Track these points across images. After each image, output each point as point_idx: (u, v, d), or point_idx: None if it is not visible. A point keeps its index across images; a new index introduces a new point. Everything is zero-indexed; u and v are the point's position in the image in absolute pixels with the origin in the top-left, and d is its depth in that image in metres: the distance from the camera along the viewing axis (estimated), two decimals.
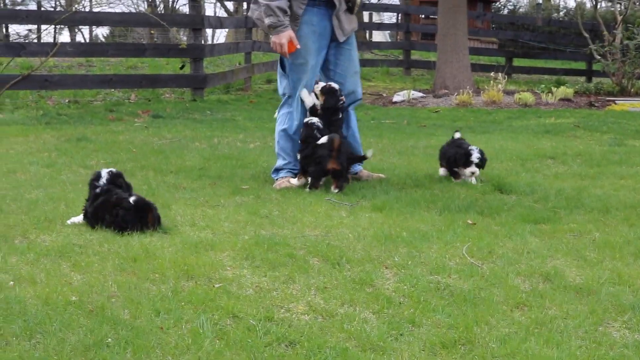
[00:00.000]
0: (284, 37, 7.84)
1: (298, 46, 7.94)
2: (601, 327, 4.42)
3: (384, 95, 19.17)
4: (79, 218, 6.36)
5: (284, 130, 8.36)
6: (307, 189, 7.72)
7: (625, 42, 19.52)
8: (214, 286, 4.94)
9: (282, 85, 8.44)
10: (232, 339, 4.14)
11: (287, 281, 5.07)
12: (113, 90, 17.34)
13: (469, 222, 6.53)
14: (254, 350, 4.01)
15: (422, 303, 4.70)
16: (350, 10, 8.32)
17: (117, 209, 6.15)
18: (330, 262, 5.44)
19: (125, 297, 4.71)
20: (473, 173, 8.24)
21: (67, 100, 15.96)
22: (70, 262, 5.37)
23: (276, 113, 8.64)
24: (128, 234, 6.00)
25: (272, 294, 4.84)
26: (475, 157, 8.23)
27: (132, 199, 6.17)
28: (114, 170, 6.53)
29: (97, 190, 6.34)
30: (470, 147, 8.35)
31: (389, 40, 36.54)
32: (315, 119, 7.98)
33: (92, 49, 20.64)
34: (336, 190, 7.65)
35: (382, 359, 3.96)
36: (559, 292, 4.92)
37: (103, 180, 6.37)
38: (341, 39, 8.33)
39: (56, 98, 16.22)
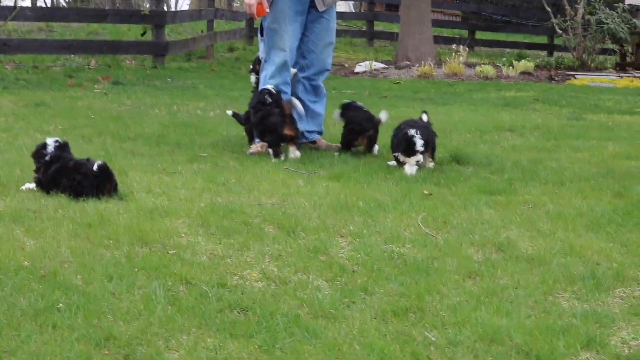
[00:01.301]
0: None
1: (267, 10, 7.96)
2: (551, 296, 4.47)
3: (346, 65, 19.15)
4: (33, 185, 6.30)
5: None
6: (273, 160, 7.69)
7: (587, 17, 19.61)
8: (168, 253, 4.93)
9: (261, 49, 8.49)
10: (184, 305, 4.14)
11: (241, 249, 5.07)
12: (73, 55, 17.16)
13: (425, 192, 6.56)
14: (206, 316, 4.02)
15: (376, 272, 4.73)
16: None
17: (75, 174, 6.10)
18: (285, 230, 5.44)
19: (78, 263, 4.68)
20: (418, 162, 7.30)
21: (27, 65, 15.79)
22: (24, 227, 5.33)
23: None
24: (83, 199, 5.96)
25: (226, 261, 4.84)
26: (419, 144, 7.21)
27: (95, 165, 6.12)
28: (60, 140, 6.44)
29: (47, 158, 6.26)
30: (411, 132, 7.29)
31: (353, 10, 36.44)
32: (270, 86, 7.98)
33: (53, 13, 20.40)
34: (297, 153, 7.67)
35: (333, 326, 3.98)
36: (511, 262, 4.96)
37: (51, 149, 6.29)
38: (321, 8, 8.34)
39: (14, 63, 16.02)
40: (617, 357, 3.73)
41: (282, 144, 7.81)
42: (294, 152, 7.81)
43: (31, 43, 16.75)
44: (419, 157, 7.28)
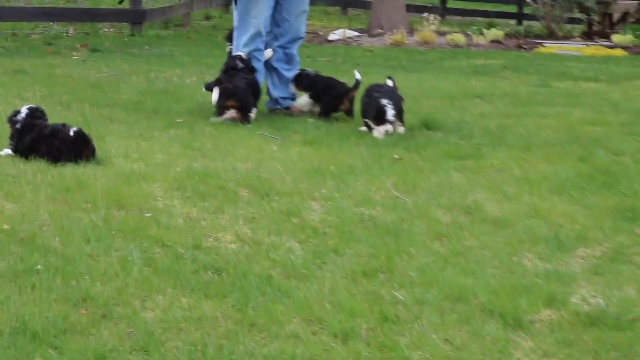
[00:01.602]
0: None
1: None
2: (515, 257, 4.53)
3: (320, 34, 19.07)
4: (9, 151, 6.27)
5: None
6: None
7: None
8: (144, 216, 4.94)
9: (234, 17, 8.46)
10: (160, 266, 4.17)
11: (216, 212, 5.09)
12: (52, 23, 16.99)
13: (396, 157, 6.59)
14: (181, 277, 4.05)
15: (346, 233, 4.77)
16: None
17: (52, 139, 6.08)
18: (259, 194, 5.47)
19: (56, 226, 4.70)
20: (387, 132, 7.29)
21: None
22: (3, 192, 5.32)
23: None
24: (61, 165, 5.94)
25: (201, 224, 4.87)
26: (390, 114, 7.26)
27: (72, 131, 6.10)
28: (33, 106, 6.41)
29: (17, 125, 6.23)
30: (383, 102, 7.29)
31: None
32: (242, 53, 7.98)
33: None
34: (244, 123, 7.74)
35: (305, 286, 4.02)
36: (478, 225, 5.02)
37: (22, 116, 6.26)
38: None
39: None
40: (577, 314, 3.79)
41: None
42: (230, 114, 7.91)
43: (10, 10, 16.58)
44: (389, 127, 7.30)
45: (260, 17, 8.22)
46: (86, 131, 6.24)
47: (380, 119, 7.27)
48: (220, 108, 7.82)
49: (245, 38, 8.25)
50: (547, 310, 3.84)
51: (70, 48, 14.03)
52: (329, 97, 8.25)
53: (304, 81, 8.36)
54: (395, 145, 6.99)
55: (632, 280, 4.24)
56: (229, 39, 8.80)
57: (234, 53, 8.19)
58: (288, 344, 3.45)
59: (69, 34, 16.13)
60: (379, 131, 7.29)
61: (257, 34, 8.24)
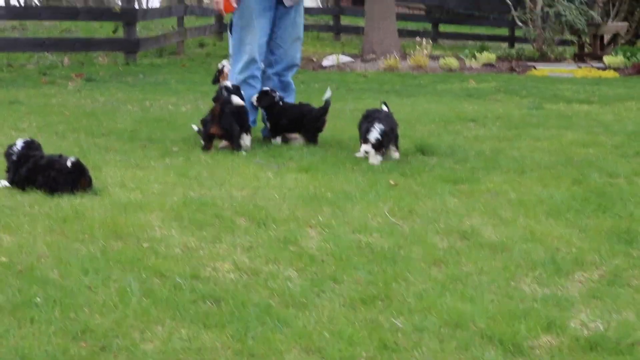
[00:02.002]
0: None
1: (235, 5, 7.98)
2: (513, 282, 4.51)
3: (314, 59, 19.14)
4: (6, 182, 6.26)
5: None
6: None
7: (546, 9, 19.70)
8: (142, 246, 4.93)
9: (230, 45, 8.53)
10: (158, 297, 4.15)
11: (213, 241, 5.08)
12: (46, 53, 17.04)
13: (392, 182, 6.59)
14: (180, 308, 4.03)
15: (344, 261, 4.75)
16: None
17: (49, 170, 6.07)
18: (256, 222, 5.46)
19: (54, 257, 4.68)
20: (367, 152, 7.32)
21: None
22: (1, 224, 5.30)
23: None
24: (58, 195, 5.93)
25: (199, 253, 4.85)
26: (373, 135, 7.25)
27: (68, 161, 6.09)
28: (30, 139, 6.42)
29: (14, 157, 6.24)
30: (374, 124, 7.31)
31: (320, 6, 36.41)
32: (228, 82, 8.01)
33: (26, 12, 20.31)
34: (236, 150, 7.76)
35: (303, 315, 4.00)
36: (475, 250, 5.01)
37: (18, 148, 6.26)
38: (287, 3, 8.35)
39: None
40: (576, 339, 3.77)
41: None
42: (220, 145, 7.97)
43: (4, 41, 16.64)
44: (368, 147, 7.25)
45: (255, 44, 8.25)
46: (83, 161, 6.23)
47: (364, 138, 7.29)
48: (205, 137, 7.84)
49: (240, 65, 8.30)
50: (547, 336, 3.82)
51: (65, 78, 14.09)
52: (311, 118, 8.25)
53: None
54: (390, 171, 6.99)
55: (630, 303, 4.23)
56: (217, 81, 8.85)
57: (229, 81, 8.23)
58: None
59: (63, 64, 16.18)
60: (360, 152, 7.40)
61: (252, 61, 8.27)
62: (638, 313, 4.11)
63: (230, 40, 8.57)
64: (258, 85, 8.40)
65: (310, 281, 4.45)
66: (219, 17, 22.36)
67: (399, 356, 3.61)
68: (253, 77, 8.35)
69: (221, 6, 8.03)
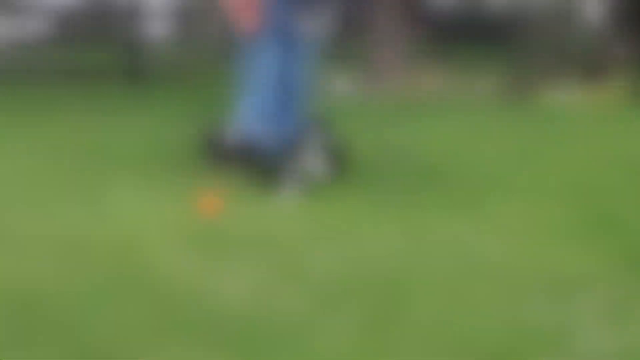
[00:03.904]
0: None
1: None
2: (522, 304, 4.47)
3: None
4: None
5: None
6: None
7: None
8: (148, 270, 4.92)
9: (238, 76, 8.55)
10: (162, 319, 4.13)
11: (220, 262, 5.12)
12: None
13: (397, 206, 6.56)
14: (184, 329, 4.01)
15: (352, 284, 4.73)
16: None
17: None
18: (263, 243, 5.49)
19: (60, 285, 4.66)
20: None
21: None
22: None
23: None
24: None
25: (206, 276, 4.83)
26: None
27: None
28: None
29: None
30: None
31: None
32: None
33: None
34: None
35: (310, 339, 3.97)
36: (482, 272, 4.98)
37: None
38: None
39: None
40: None
41: None
42: None
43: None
44: None
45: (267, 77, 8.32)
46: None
47: None
48: None
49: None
50: (558, 359, 3.80)
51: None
52: None
53: None
54: (396, 194, 6.96)
55: None
56: None
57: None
58: None
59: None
60: None
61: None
62: None
63: (238, 72, 8.58)
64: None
65: (319, 304, 4.42)
66: (224, 42, 22.45)
67: None
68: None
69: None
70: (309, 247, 5.45)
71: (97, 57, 20.42)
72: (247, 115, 8.33)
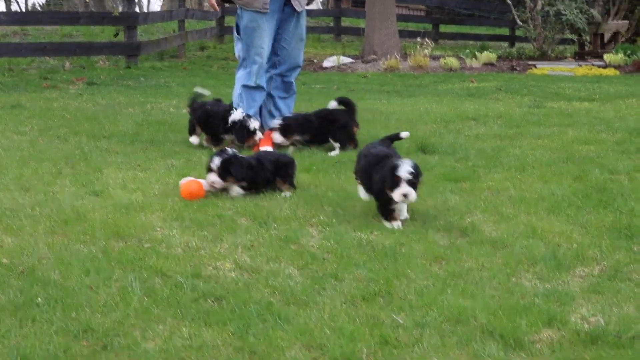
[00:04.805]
0: None
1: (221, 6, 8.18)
2: (514, 277, 4.51)
3: (315, 61, 19.15)
4: None
5: (245, 86, 8.49)
6: None
7: (546, 8, 19.68)
8: (143, 246, 4.93)
9: (237, 47, 8.55)
10: (160, 296, 4.15)
11: (214, 240, 5.09)
12: (48, 58, 17.06)
13: None
14: (181, 306, 4.03)
15: (345, 258, 4.75)
16: None
17: None
18: (257, 222, 5.47)
19: (55, 259, 4.68)
20: (405, 196, 5.31)
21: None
22: (2, 226, 5.31)
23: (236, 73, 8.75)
24: (59, 197, 5.94)
25: (200, 253, 4.85)
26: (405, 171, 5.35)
27: None
28: None
29: None
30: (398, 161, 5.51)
31: (321, 7, 36.40)
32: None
33: (27, 17, 20.36)
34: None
35: (304, 312, 4.00)
36: (476, 246, 5.01)
37: None
38: (298, 8, 8.46)
39: None
40: (577, 333, 3.77)
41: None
42: None
43: (6, 46, 16.65)
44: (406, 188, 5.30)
45: (265, 47, 8.34)
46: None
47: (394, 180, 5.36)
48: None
49: (252, 70, 8.36)
50: (548, 330, 3.82)
51: (66, 82, 14.10)
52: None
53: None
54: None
55: (631, 297, 4.23)
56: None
57: (238, 90, 8.36)
58: None
59: (65, 68, 16.18)
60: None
61: (262, 66, 8.38)
62: (638, 307, 4.11)
63: (237, 43, 8.58)
64: (265, 85, 8.48)
65: (311, 279, 4.45)
66: (220, 20, 22.39)
67: (400, 352, 3.60)
68: (260, 81, 8.43)
69: (213, 1, 8.35)
70: (303, 220, 5.48)
71: (94, 31, 20.44)
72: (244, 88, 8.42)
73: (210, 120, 8.04)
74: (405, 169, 5.33)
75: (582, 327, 3.86)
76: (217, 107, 8.15)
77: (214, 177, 6.11)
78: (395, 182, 5.31)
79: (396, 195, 5.31)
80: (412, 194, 5.30)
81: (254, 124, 7.81)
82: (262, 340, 3.68)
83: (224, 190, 6.18)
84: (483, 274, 4.55)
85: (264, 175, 6.26)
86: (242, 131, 7.77)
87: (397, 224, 5.44)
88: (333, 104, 8.13)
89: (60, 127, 9.18)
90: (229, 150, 6.30)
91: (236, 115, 7.89)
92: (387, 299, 4.17)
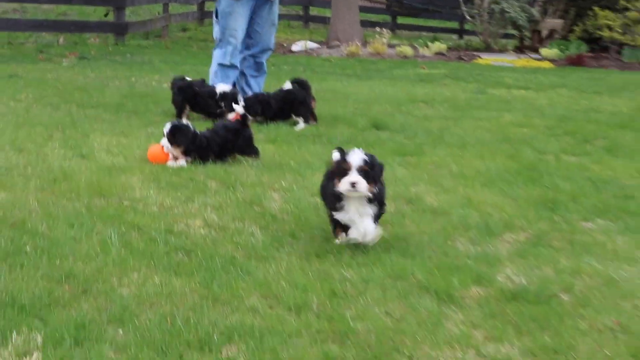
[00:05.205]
0: None
1: None
2: (449, 241, 4.56)
3: (285, 45, 19.04)
4: None
5: (220, 64, 8.52)
6: None
7: (492, 6, 19.69)
8: (123, 204, 4.93)
9: (215, 29, 8.55)
10: (135, 248, 4.16)
11: (186, 200, 5.09)
12: (44, 33, 16.84)
13: None
14: (154, 258, 4.04)
15: (302, 220, 4.79)
16: None
17: None
18: (225, 185, 5.48)
19: (43, 213, 4.67)
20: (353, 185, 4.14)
21: None
22: None
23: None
24: (49, 158, 5.91)
25: (174, 211, 4.86)
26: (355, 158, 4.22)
27: None
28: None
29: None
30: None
31: None
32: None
33: None
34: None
35: (264, 266, 4.03)
36: (418, 213, 5.06)
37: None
38: None
39: None
40: (501, 291, 3.83)
41: None
42: None
43: (6, 22, 16.40)
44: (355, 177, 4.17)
45: (239, 30, 8.32)
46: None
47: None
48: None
49: (226, 50, 8.38)
50: (476, 288, 3.88)
51: (60, 55, 13.93)
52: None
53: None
54: (348, 144, 6.98)
55: (550, 262, 4.30)
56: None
57: (215, 61, 8.31)
58: (248, 316, 3.46)
59: (59, 43, 15.99)
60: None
61: (236, 48, 8.36)
62: (556, 270, 4.18)
63: (215, 26, 8.56)
64: (238, 64, 8.48)
65: (271, 237, 4.47)
66: (201, 4, 22.19)
67: (347, 302, 3.64)
68: (234, 60, 8.43)
69: None
70: (266, 185, 5.49)
71: (86, 11, 20.18)
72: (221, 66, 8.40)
73: (200, 99, 7.96)
74: (356, 156, 4.20)
75: (506, 285, 3.92)
76: (205, 86, 8.10)
77: (163, 141, 6.07)
78: (344, 169, 4.19)
79: (343, 184, 4.15)
80: (362, 184, 4.13)
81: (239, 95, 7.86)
82: (225, 290, 3.71)
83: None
84: (423, 237, 4.60)
85: (212, 149, 6.17)
86: (232, 101, 7.71)
87: (340, 239, 4.36)
88: (288, 85, 8.06)
89: (52, 96, 9.09)
90: (185, 121, 6.31)
91: (223, 87, 7.90)
92: (337, 257, 4.21)
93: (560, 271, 4.16)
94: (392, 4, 28.65)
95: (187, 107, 8.04)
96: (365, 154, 4.25)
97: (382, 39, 17.93)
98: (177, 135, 6.02)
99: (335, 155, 4.31)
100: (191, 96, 7.98)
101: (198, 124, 6.78)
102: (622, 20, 17.92)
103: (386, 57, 17.23)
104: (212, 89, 7.98)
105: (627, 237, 4.78)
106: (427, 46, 18.28)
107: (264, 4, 8.54)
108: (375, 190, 4.25)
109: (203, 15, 22.26)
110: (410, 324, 3.47)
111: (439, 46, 18.39)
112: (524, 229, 4.86)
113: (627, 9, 17.88)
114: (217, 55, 8.51)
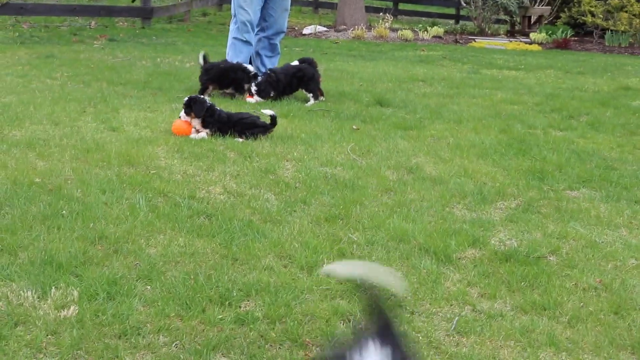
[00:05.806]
0: None
1: None
2: (447, 207, 4.54)
3: (296, 28, 18.91)
4: None
5: (235, 38, 8.44)
6: None
7: None
8: (149, 172, 4.91)
9: (233, 6, 8.50)
10: (162, 212, 4.15)
11: (207, 169, 5.07)
12: (77, 17, 16.74)
13: (354, 127, 6.57)
14: (178, 221, 4.03)
15: (313, 187, 4.76)
16: None
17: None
18: (243, 155, 5.44)
19: (78, 180, 4.65)
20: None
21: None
22: (36, 152, 5.26)
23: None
24: (82, 131, 5.88)
25: (195, 179, 4.84)
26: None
27: None
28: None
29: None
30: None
31: None
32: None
33: None
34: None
35: (278, 229, 4.02)
36: (418, 182, 5.03)
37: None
38: None
39: (29, 23, 15.61)
40: (495, 253, 3.82)
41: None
42: None
43: (43, 7, 16.30)
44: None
45: (250, 9, 8.26)
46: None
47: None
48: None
49: (237, 26, 8.32)
50: (472, 250, 3.87)
51: (91, 38, 13.85)
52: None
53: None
54: (354, 118, 6.97)
55: (539, 226, 4.28)
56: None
57: (231, 35, 8.36)
58: (264, 274, 3.46)
59: (90, 27, 15.90)
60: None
61: (245, 24, 8.29)
62: (544, 234, 4.16)
63: (233, 2, 8.55)
64: (252, 43, 8.41)
65: (285, 203, 4.46)
66: None
67: None
68: (248, 36, 8.36)
69: None
70: (280, 155, 5.46)
71: None
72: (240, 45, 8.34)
73: (227, 75, 7.88)
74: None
75: (499, 248, 3.91)
76: (230, 64, 8.01)
77: (182, 113, 6.05)
78: None
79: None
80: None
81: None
82: (243, 250, 3.70)
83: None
84: (423, 204, 4.58)
85: (228, 126, 6.06)
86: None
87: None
88: (295, 63, 8.00)
89: (85, 74, 9.04)
90: (203, 96, 6.26)
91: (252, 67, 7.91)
92: (345, 221, 4.20)
93: (548, 235, 4.14)
94: None
95: (214, 86, 7.94)
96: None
97: (385, 24, 17.78)
98: (192, 106, 5.98)
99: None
100: (218, 74, 7.87)
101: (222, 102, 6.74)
102: (604, 7, 17.75)
103: (389, 40, 17.10)
104: (239, 64, 7.93)
105: (609, 204, 4.75)
106: (426, 30, 18.12)
107: None
108: None
109: (222, 1, 22.11)
110: (412, 282, 3.46)
111: (437, 30, 18.23)
112: (515, 196, 4.83)
113: None
114: (232, 30, 8.53)
